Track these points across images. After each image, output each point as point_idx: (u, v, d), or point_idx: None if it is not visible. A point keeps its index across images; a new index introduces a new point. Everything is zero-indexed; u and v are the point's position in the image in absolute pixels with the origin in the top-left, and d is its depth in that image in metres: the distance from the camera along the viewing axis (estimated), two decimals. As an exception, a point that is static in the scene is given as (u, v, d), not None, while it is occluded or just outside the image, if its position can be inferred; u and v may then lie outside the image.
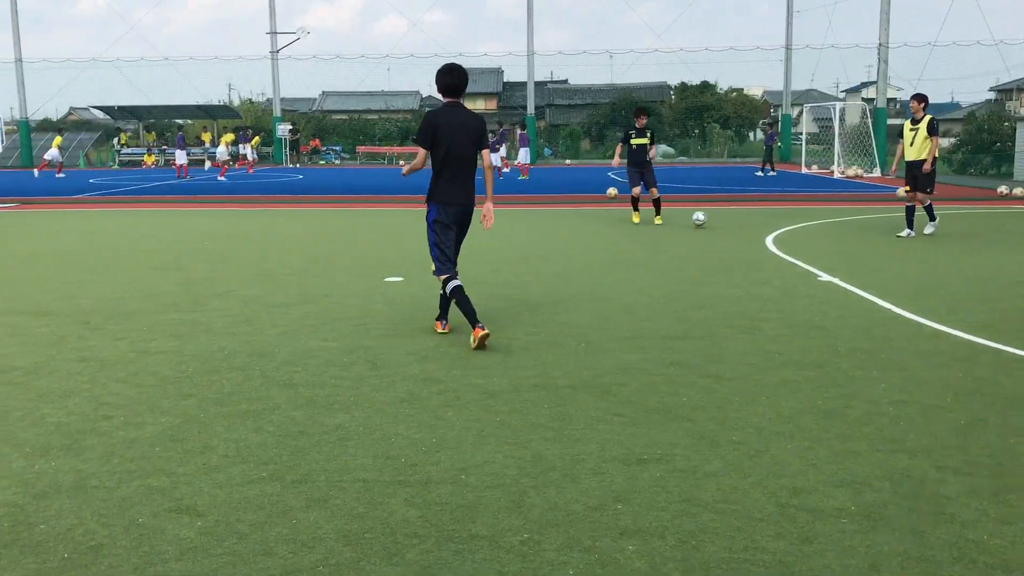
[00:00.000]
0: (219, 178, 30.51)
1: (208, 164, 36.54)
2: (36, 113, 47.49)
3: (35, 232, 14.71)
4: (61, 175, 31.67)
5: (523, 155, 30.29)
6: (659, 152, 41.53)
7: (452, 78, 6.50)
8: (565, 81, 67.98)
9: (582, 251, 11.62)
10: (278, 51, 44.25)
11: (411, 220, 16.24)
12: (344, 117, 58.74)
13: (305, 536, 3.40)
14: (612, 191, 19.12)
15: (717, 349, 6.27)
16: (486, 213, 6.69)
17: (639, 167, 14.92)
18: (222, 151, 33.02)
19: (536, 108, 47.29)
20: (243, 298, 8.33)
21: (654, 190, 14.86)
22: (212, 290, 8.79)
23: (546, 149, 51.72)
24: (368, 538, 3.39)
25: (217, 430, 4.63)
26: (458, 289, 6.50)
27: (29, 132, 44.30)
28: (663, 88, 59.13)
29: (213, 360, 6.05)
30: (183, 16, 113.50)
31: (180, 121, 55.46)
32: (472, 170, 6.60)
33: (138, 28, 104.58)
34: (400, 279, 9.37)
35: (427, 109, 67.46)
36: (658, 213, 14.93)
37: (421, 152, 6.54)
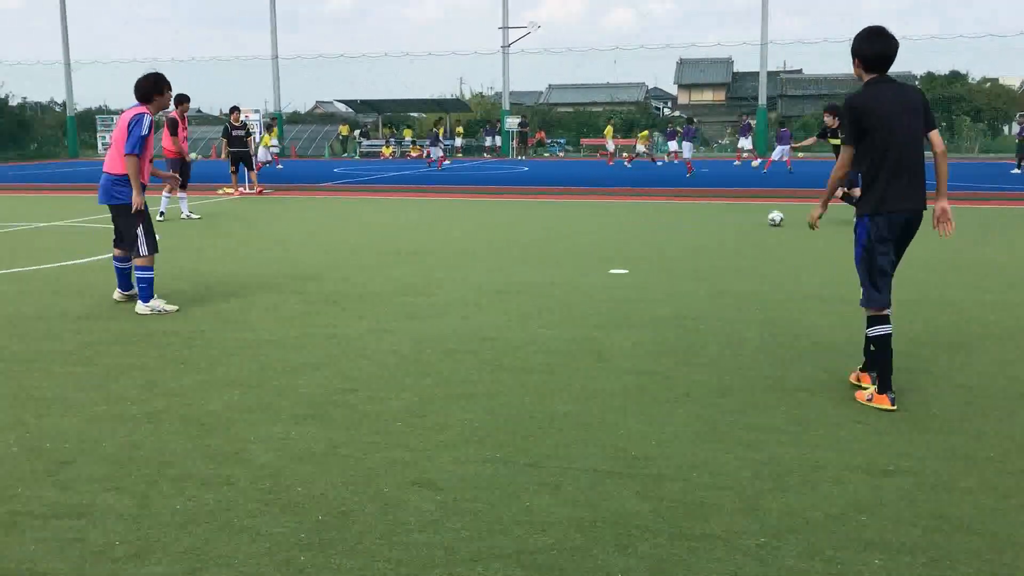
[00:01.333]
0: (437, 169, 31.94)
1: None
2: (287, 107, 51.24)
3: (285, 217, 15.88)
4: (279, 167, 33.31)
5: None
6: None
7: (885, 44, 4.87)
8: (799, 71, 65.27)
9: (812, 250, 11.12)
10: (509, 45, 45.32)
11: (634, 213, 16.17)
12: (569, 110, 59.40)
13: (538, 519, 3.47)
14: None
15: (967, 358, 5.81)
16: (940, 215, 5.00)
17: None
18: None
19: (767, 99, 45.70)
20: (474, 284, 8.61)
21: (855, 190, 14.04)
22: (444, 275, 9.14)
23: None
24: (599, 527, 3.40)
25: (453, 410, 4.80)
26: (886, 339, 4.91)
27: (282, 124, 47.87)
28: (907, 78, 55.50)
29: (448, 343, 6.28)
30: (420, 13, 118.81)
31: (416, 114, 58.09)
32: (922, 162, 4.97)
33: (381, 25, 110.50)
34: (625, 272, 9.35)
35: (652, 101, 67.17)
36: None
37: (846, 152, 5.01)
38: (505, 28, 45.25)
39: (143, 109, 7.40)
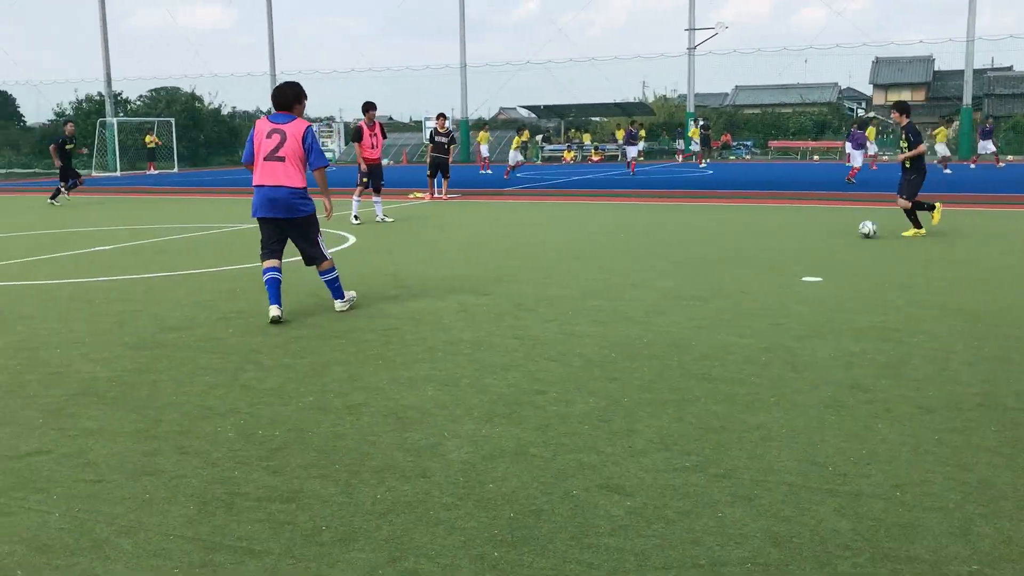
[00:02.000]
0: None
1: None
2: (474, 113, 52.57)
3: (472, 220, 16.30)
4: (487, 171, 34.23)
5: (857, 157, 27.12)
6: None
7: None
8: (1009, 68, 60.77)
9: (1030, 258, 10.32)
10: (695, 47, 44.64)
11: (826, 217, 15.55)
12: (756, 111, 57.83)
13: (731, 531, 3.40)
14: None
15: None
16: None
17: None
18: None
19: (972, 99, 42.82)
20: (658, 289, 8.54)
21: None
22: (628, 280, 9.12)
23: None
24: (796, 543, 3.30)
25: (640, 415, 4.78)
26: None
27: (468, 130, 49.15)
28: None
29: (633, 348, 6.26)
30: (604, 17, 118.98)
31: (597, 119, 58.21)
32: None
33: (565, 31, 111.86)
34: (819, 279, 9.01)
35: (845, 102, 64.28)
36: None
37: None
38: (691, 30, 44.61)
39: (306, 122, 7.49)
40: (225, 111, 55.87)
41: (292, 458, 4.23)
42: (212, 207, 20.60)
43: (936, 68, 63.51)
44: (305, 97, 7.62)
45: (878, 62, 64.44)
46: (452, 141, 20.88)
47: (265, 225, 7.47)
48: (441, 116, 21.24)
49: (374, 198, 16.08)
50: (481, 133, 33.78)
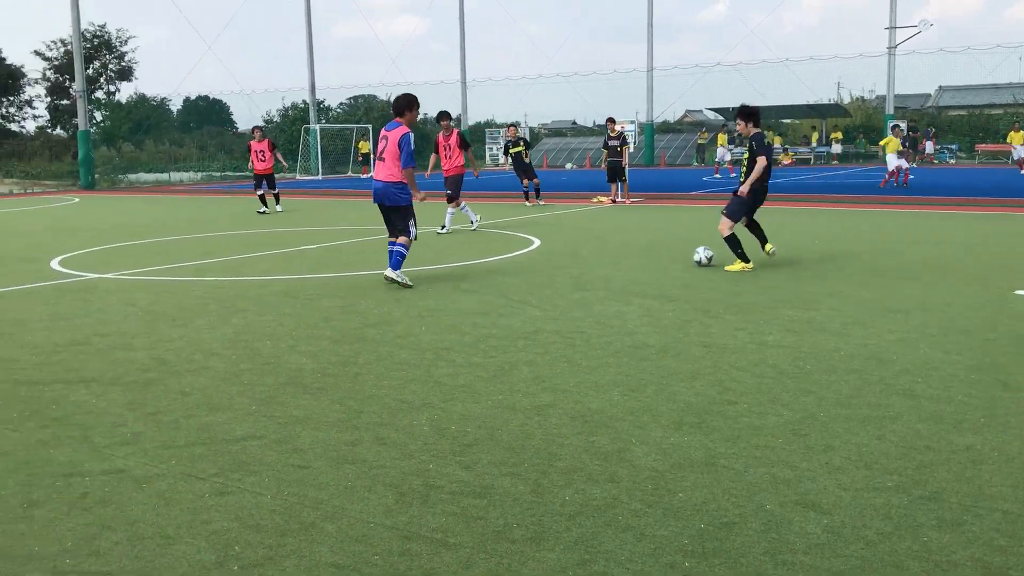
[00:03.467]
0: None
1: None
2: (659, 116, 52.04)
3: (655, 224, 16.14)
4: (717, 176, 32.49)
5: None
6: None
7: None
8: None
9: None
10: (896, 46, 42.37)
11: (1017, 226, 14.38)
12: (962, 113, 54.22)
13: (938, 557, 3.21)
14: None
15: None
16: None
17: None
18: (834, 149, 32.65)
19: None
20: (857, 300, 8.16)
21: None
22: (824, 289, 8.77)
23: None
24: (1012, 574, 3.08)
25: (837, 431, 4.60)
26: None
27: (653, 134, 48.74)
28: None
29: (830, 360, 6.02)
30: (796, 16, 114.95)
31: (787, 121, 56.32)
32: None
33: (756, 32, 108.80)
34: (1036, 293, 8.35)
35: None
36: None
37: None
38: (892, 28, 42.36)
39: (406, 129, 9.35)
40: (419, 118, 57.99)
41: (483, 454, 4.35)
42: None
43: None
44: (417, 106, 9.47)
45: (1107, 57, 58.85)
46: (624, 143, 20.83)
47: (379, 209, 9.61)
48: (610, 120, 21.35)
49: (448, 209, 15.32)
50: (720, 135, 33.11)
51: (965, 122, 50.72)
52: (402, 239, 9.34)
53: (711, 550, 3.31)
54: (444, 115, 15.81)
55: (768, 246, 10.47)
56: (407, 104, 9.37)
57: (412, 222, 9.48)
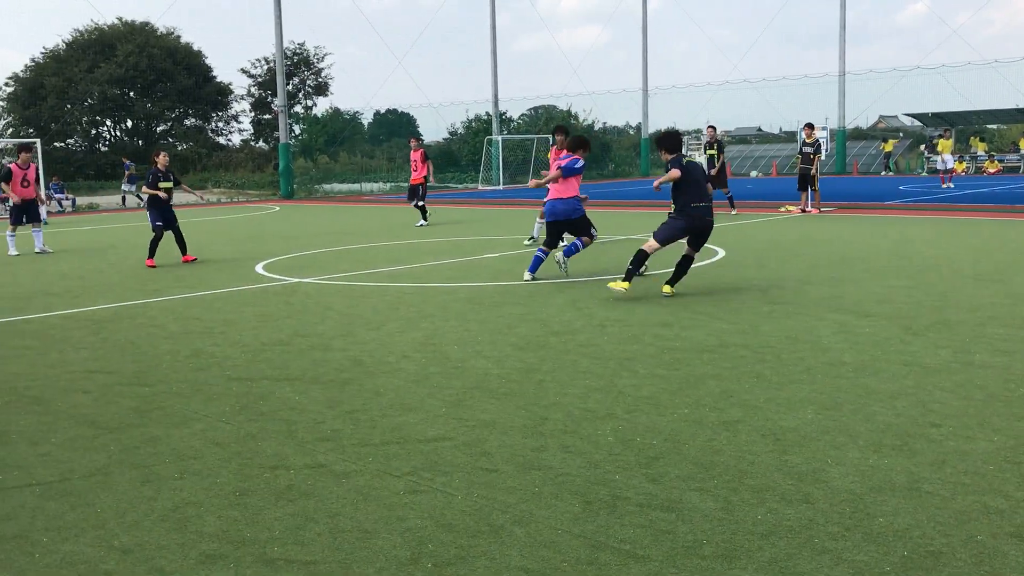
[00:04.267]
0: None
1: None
2: (851, 123, 49.85)
3: (848, 235, 15.43)
4: (949, 184, 30.01)
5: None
6: None
7: None
8: None
9: None
10: (1122, 42, 38.69)
11: None
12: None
13: None
14: None
15: None
16: None
17: None
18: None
19: None
20: (1077, 319, 7.52)
21: None
22: (1039, 307, 8.12)
23: None
24: None
25: (1058, 461, 4.25)
26: None
27: (845, 140, 46.76)
28: None
29: None
30: (1005, 14, 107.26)
31: (994, 126, 52.61)
32: None
33: (960, 32, 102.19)
34: None
35: None
36: None
37: None
38: (1119, 23, 38.73)
39: (577, 155, 10.73)
40: (597, 127, 58.10)
41: (670, 468, 4.30)
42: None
43: None
44: (582, 146, 10.90)
45: None
46: (816, 151, 20.00)
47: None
48: (808, 126, 20.52)
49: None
50: (942, 142, 30.99)
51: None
52: (586, 239, 10.80)
53: (916, 580, 3.13)
54: (561, 129, 15.28)
55: (667, 287, 9.40)
56: (578, 142, 10.99)
57: (593, 228, 10.89)
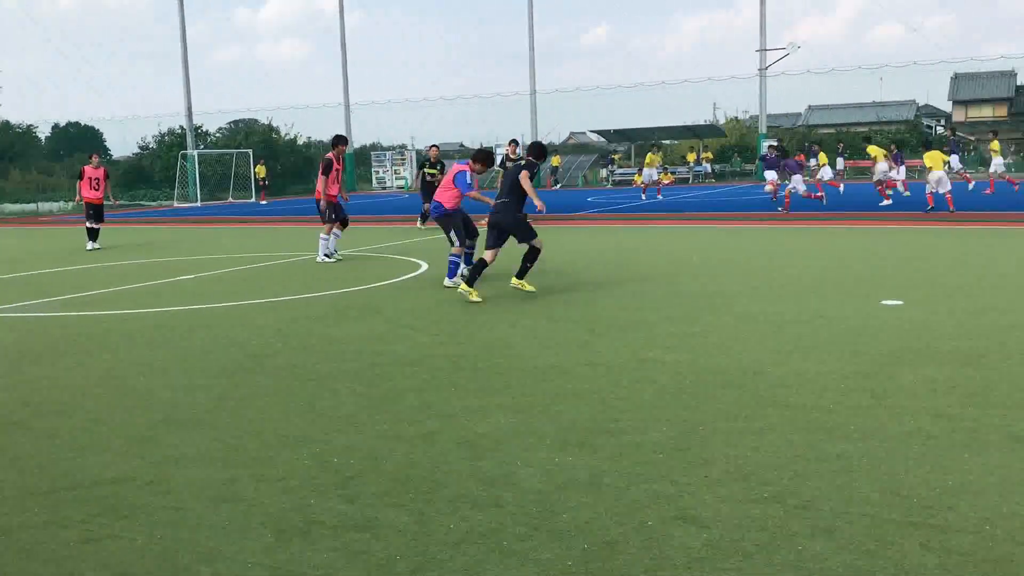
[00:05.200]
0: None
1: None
2: (544, 138, 52.75)
3: (549, 245, 16.25)
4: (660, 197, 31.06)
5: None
6: None
7: None
8: (1096, 81, 58.71)
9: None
10: (767, 68, 44.16)
11: (907, 239, 15.16)
12: (830, 131, 56.87)
13: (811, 565, 3.31)
14: None
15: None
16: None
17: None
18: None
19: (1059, 113, 41.44)
20: (735, 314, 8.41)
21: None
22: (704, 305, 9.00)
23: (1069, 160, 45.11)
24: (880, 578, 3.20)
25: (717, 444, 4.70)
26: None
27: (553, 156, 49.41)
28: None
29: (708, 375, 6.17)
30: (674, 41, 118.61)
31: (668, 141, 57.91)
32: None
33: (634, 55, 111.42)
34: (900, 303, 8.77)
35: (923, 119, 62.74)
36: None
37: None
38: (763, 51, 44.17)
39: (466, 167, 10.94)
40: (301, 141, 57.14)
41: (366, 486, 4.27)
42: (289, 235, 21.05)
43: (1020, 83, 61.68)
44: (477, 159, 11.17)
45: (957, 78, 62.86)
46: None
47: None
48: (512, 142, 21.22)
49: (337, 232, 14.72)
50: (650, 155, 31.41)
51: (833, 140, 53.17)
52: (454, 250, 11.13)
53: (594, 570, 3.32)
54: (341, 139, 14.99)
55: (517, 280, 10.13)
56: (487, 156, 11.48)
57: (453, 232, 11.09)
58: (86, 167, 19.17)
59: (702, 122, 56.42)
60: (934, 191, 20.18)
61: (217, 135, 55.91)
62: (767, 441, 4.73)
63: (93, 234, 18.74)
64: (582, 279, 11.32)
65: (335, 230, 14.55)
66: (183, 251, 17.73)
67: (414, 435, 5.03)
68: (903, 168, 28.98)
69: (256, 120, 57.56)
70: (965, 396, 5.44)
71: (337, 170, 14.57)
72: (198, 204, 42.11)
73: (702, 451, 4.60)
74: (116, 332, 8.57)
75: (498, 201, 10.08)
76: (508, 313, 8.89)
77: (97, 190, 18.97)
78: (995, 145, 29.65)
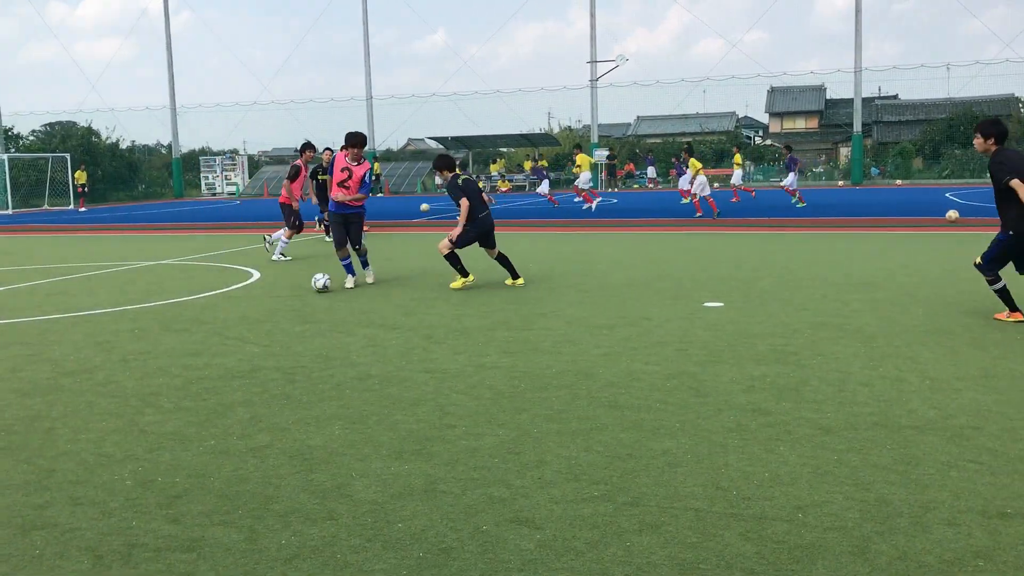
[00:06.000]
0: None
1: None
2: (382, 144, 52.41)
3: (387, 252, 16.16)
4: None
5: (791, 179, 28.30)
6: None
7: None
8: (895, 96, 63.74)
9: (923, 274, 10.77)
10: (597, 79, 45.51)
11: (726, 243, 15.96)
12: (658, 140, 59.21)
13: (640, 560, 3.42)
14: (952, 214, 17.62)
15: (1091, 394, 5.53)
16: None
17: None
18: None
19: (862, 126, 44.73)
20: (567, 318, 8.61)
21: None
22: (538, 310, 9.17)
23: (873, 169, 48.77)
24: (703, 568, 3.34)
25: (550, 446, 4.80)
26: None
27: (374, 162, 48.99)
28: (1010, 101, 53.65)
29: (542, 378, 6.29)
30: (509, 50, 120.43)
31: (505, 149, 58.73)
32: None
33: (470, 64, 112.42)
34: (720, 304, 9.22)
35: (743, 130, 66.30)
36: None
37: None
38: (593, 62, 45.49)
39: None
40: (124, 145, 54.41)
41: (192, 505, 4.10)
42: (111, 244, 19.98)
43: (828, 96, 66.14)
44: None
45: (773, 91, 66.75)
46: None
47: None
48: (327, 150, 20.62)
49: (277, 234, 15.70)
50: (580, 156, 29.60)
51: (661, 149, 55.41)
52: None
53: (430, 578, 3.32)
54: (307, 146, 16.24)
55: (515, 281, 11.21)
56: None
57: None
58: None
59: (537, 131, 57.53)
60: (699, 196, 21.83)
61: (31, 138, 52.47)
62: (597, 441, 4.86)
63: None
64: (419, 285, 11.30)
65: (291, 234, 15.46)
66: (-9, 262, 16.52)
67: (244, 450, 4.88)
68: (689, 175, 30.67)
69: (74, 123, 54.37)
70: (779, 392, 5.78)
71: (305, 176, 15.98)
72: (9, 212, 39.38)
73: (535, 453, 4.68)
74: (-88, 351, 7.88)
75: (485, 213, 10.93)
76: (344, 323, 8.77)
77: None
78: (737, 158, 32.17)
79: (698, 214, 22.33)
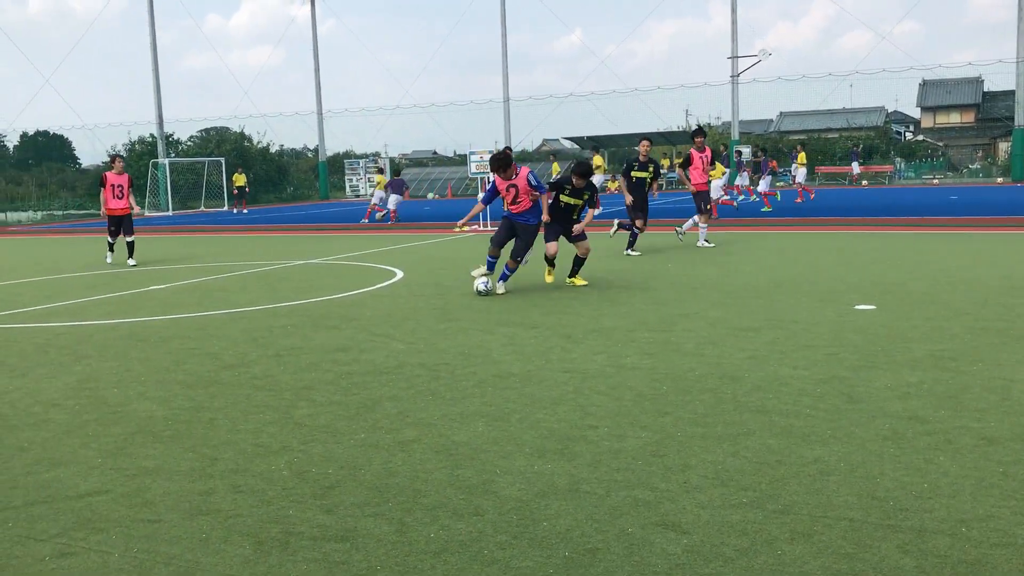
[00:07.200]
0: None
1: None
2: (517, 146, 52.86)
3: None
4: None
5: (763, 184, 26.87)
6: None
7: None
8: (1061, 87, 59.62)
9: (1092, 282, 10.04)
10: (738, 75, 44.54)
11: (878, 243, 15.32)
12: (801, 137, 57.42)
13: (792, 569, 3.33)
14: None
15: None
16: None
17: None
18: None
19: (1025, 119, 42.11)
20: (709, 320, 8.46)
21: None
22: (679, 311, 9.05)
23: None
24: (859, 582, 3.22)
25: (695, 450, 4.72)
26: None
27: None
28: None
29: (685, 380, 6.20)
30: (646, 48, 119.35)
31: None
32: None
33: (607, 63, 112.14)
34: (872, 307, 8.86)
35: (892, 125, 63.51)
36: None
37: None
38: (734, 58, 44.56)
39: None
40: (273, 149, 56.90)
41: (345, 496, 4.24)
42: (262, 244, 20.93)
43: (986, 89, 62.63)
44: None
45: (925, 84, 63.75)
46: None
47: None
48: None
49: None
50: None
51: (805, 146, 53.76)
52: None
53: (576, 578, 3.32)
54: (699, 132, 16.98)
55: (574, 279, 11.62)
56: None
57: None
58: (108, 173, 17.19)
59: (675, 128, 56.79)
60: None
61: (188, 143, 55.57)
62: (744, 446, 4.75)
63: (113, 246, 17.49)
64: (555, 285, 11.34)
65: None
66: (155, 259, 17.57)
67: (392, 444, 5.01)
68: (746, 174, 30.10)
69: (228, 128, 57.27)
70: (938, 399, 5.50)
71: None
72: (169, 213, 41.80)
73: (680, 457, 4.62)
74: (88, 343, 8.47)
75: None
76: (485, 321, 8.89)
77: (121, 199, 17.00)
78: (801, 158, 30.78)
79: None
